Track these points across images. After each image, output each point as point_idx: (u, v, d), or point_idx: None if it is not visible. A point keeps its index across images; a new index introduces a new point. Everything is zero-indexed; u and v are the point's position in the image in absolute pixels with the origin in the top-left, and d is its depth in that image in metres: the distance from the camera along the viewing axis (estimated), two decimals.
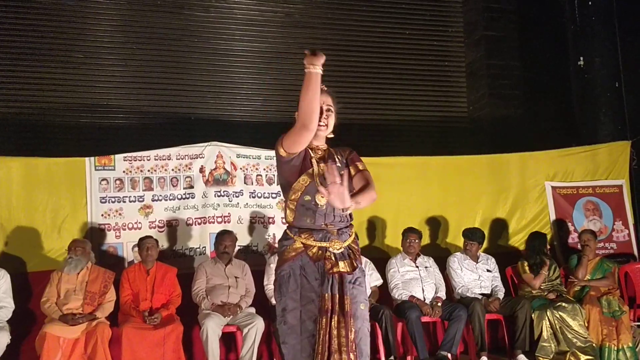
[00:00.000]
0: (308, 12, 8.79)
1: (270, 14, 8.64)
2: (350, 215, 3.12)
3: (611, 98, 7.76)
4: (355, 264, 3.03)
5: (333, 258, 2.98)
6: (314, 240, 3.00)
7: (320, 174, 3.00)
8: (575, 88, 8.07)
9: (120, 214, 6.36)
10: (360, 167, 3.14)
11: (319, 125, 2.94)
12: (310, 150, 3.08)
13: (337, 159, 3.12)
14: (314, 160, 3.05)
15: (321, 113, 3.00)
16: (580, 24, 7.90)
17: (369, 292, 6.22)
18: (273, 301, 5.28)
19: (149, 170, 6.47)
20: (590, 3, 7.85)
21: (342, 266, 2.97)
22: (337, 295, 2.92)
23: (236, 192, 6.59)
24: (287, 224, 3.11)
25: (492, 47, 8.99)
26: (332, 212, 3.01)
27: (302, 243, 3.01)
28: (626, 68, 7.81)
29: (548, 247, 6.46)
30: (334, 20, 8.86)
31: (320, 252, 2.99)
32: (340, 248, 3.01)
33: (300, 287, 2.96)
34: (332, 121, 3.11)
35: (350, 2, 8.94)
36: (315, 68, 2.76)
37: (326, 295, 2.91)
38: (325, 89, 3.07)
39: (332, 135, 3.15)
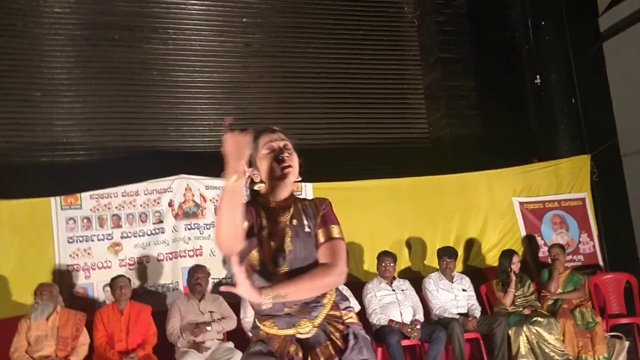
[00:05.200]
0: (267, 42, 8.82)
1: (229, 44, 8.64)
2: None
3: (568, 114, 7.95)
4: (339, 345, 2.41)
5: (300, 351, 2.37)
6: (277, 328, 2.41)
7: (275, 250, 2.39)
8: (533, 105, 8.25)
9: (89, 254, 6.21)
10: (334, 234, 2.43)
11: (285, 167, 2.42)
12: (264, 212, 2.46)
13: (303, 218, 2.47)
14: (264, 233, 2.41)
15: (280, 152, 2.44)
16: (535, 43, 8.10)
17: None
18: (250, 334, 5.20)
19: (116, 207, 6.34)
20: (543, 23, 8.06)
21: (319, 353, 2.37)
22: None
23: (207, 224, 6.51)
24: None
25: (448, 68, 9.16)
26: None
27: (266, 333, 2.45)
28: (581, 84, 8.03)
29: (518, 264, 6.52)
30: (292, 49, 8.91)
31: (285, 343, 2.40)
32: (311, 330, 2.40)
33: None
34: (295, 160, 2.48)
35: (308, 30, 9.01)
36: (230, 182, 2.10)
37: None
38: (272, 127, 2.56)
39: (298, 183, 2.67)
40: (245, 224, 2.32)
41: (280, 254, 2.38)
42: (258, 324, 2.47)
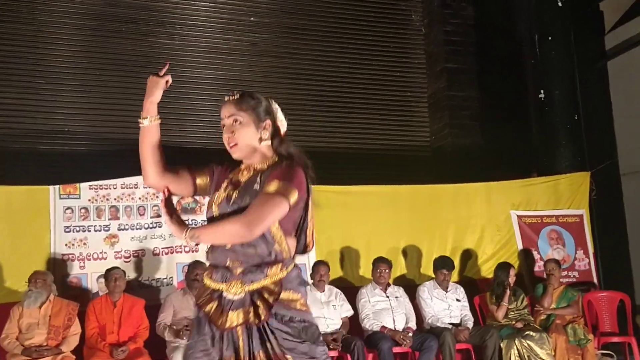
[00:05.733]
0: (273, 42, 8.81)
1: (235, 42, 8.63)
2: (273, 248, 2.39)
3: (570, 130, 7.96)
4: (263, 313, 2.31)
5: (219, 308, 2.36)
6: (211, 280, 2.42)
7: (224, 198, 2.45)
8: (535, 120, 8.26)
9: (85, 244, 6.18)
10: (269, 189, 2.33)
11: (229, 148, 2.47)
12: (235, 173, 2.53)
13: (258, 178, 2.44)
14: (225, 182, 2.51)
15: (225, 132, 2.48)
16: (540, 58, 8.12)
17: (339, 323, 6.19)
18: None
19: (115, 199, 6.33)
20: (549, 38, 8.08)
21: (233, 318, 2.32)
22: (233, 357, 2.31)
23: (205, 221, 6.47)
24: None
25: (453, 78, 9.16)
26: (232, 247, 2.37)
27: (206, 283, 2.46)
28: (584, 101, 8.05)
29: (514, 277, 6.53)
30: (298, 50, 8.90)
31: (209, 296, 2.40)
32: (239, 292, 2.34)
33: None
34: (244, 133, 2.45)
35: (315, 33, 9.00)
36: (141, 122, 2.49)
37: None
38: (234, 97, 2.50)
39: (266, 142, 2.50)
40: (207, 179, 2.56)
41: (222, 204, 2.45)
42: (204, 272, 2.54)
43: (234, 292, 2.35)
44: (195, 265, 5.97)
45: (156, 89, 2.46)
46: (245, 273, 2.35)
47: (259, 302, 2.33)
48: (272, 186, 2.33)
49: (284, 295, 2.37)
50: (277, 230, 2.39)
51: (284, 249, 2.42)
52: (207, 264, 2.51)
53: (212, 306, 2.38)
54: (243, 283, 2.35)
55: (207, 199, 2.60)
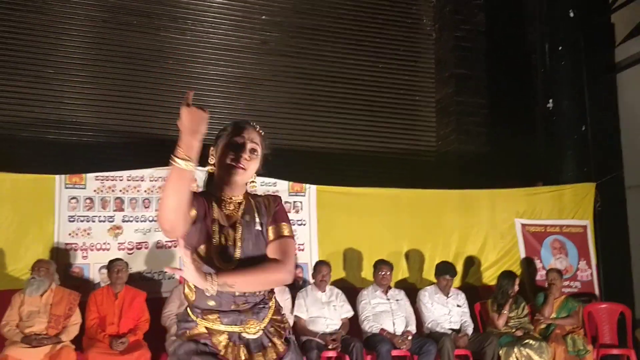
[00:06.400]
0: (284, 41, 8.83)
1: (246, 40, 8.65)
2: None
3: (577, 140, 7.93)
4: (280, 349, 2.38)
5: (244, 352, 2.32)
6: (222, 323, 2.32)
7: (225, 244, 2.32)
8: (543, 129, 8.24)
9: (88, 234, 6.21)
10: (284, 232, 2.41)
11: (236, 167, 2.34)
12: (216, 206, 2.38)
13: (255, 215, 2.43)
14: (215, 226, 2.32)
15: (243, 151, 2.36)
16: (550, 68, 8.11)
17: (339, 324, 6.20)
18: None
19: (120, 191, 6.34)
20: (560, 48, 8.07)
21: (264, 357, 2.34)
22: None
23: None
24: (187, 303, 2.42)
25: (461, 84, 9.16)
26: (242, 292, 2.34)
27: (206, 328, 2.33)
28: (592, 112, 8.04)
29: (516, 287, 6.52)
30: (308, 50, 8.92)
31: (229, 341, 2.32)
32: (258, 331, 2.35)
33: None
34: (254, 165, 2.41)
35: (325, 34, 9.01)
36: (180, 163, 2.02)
37: None
38: (254, 124, 2.47)
39: (253, 184, 2.47)
40: (193, 212, 2.24)
41: (230, 248, 2.33)
42: (194, 318, 2.35)
43: (253, 331, 2.35)
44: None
45: (202, 124, 2.03)
46: (256, 311, 2.36)
47: (275, 339, 2.39)
48: (286, 230, 2.41)
49: (284, 322, 2.46)
50: None
51: None
52: (188, 306, 2.38)
53: (241, 348, 2.33)
54: (259, 320, 2.36)
55: None
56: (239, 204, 2.42)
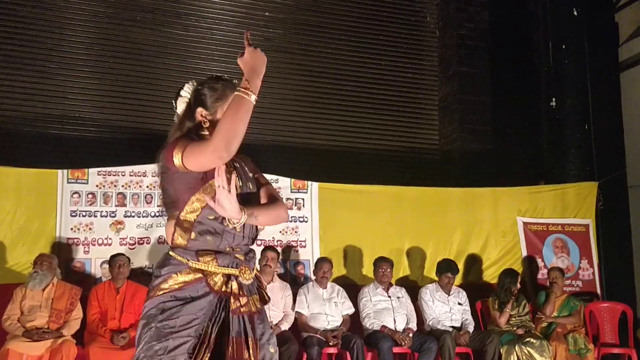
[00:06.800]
0: (287, 38, 8.81)
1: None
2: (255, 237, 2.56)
3: (580, 139, 7.93)
4: (266, 297, 2.53)
5: (241, 292, 2.40)
6: (217, 265, 2.38)
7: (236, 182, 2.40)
8: (546, 127, 8.23)
9: (90, 229, 6.21)
10: (263, 181, 2.63)
11: None
12: None
13: (244, 168, 2.58)
14: (222, 169, 2.34)
15: None
16: (554, 66, 8.10)
17: (340, 320, 6.20)
18: None
19: (122, 186, 6.35)
20: (563, 47, 8.06)
21: (252, 304, 2.42)
22: (243, 340, 2.36)
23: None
24: (172, 247, 2.43)
25: (465, 82, 9.13)
26: (243, 232, 2.43)
27: (199, 270, 2.36)
28: (596, 111, 8.03)
29: (519, 285, 6.51)
30: (311, 47, 8.90)
31: (226, 281, 2.38)
32: (250, 278, 2.45)
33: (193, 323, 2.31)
34: None
35: (329, 31, 9.00)
36: (251, 97, 2.27)
37: (233, 339, 2.34)
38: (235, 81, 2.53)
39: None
40: None
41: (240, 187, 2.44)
42: (187, 259, 2.36)
43: (247, 277, 2.44)
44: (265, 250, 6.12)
45: (264, 66, 2.39)
46: (248, 259, 2.47)
47: (261, 287, 2.53)
48: (264, 179, 2.65)
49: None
50: None
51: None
52: (174, 249, 2.42)
53: (232, 286, 2.39)
54: (250, 268, 2.47)
55: None
56: (231, 163, 2.51)
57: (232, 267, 2.40)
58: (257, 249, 6.28)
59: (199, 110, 2.51)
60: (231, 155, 2.26)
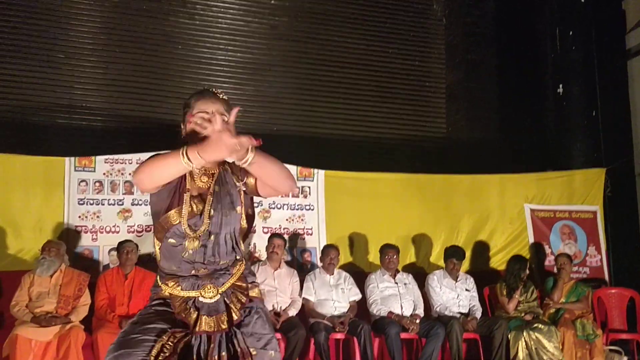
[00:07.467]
0: (293, 26, 8.78)
1: (255, 25, 8.62)
2: (238, 249, 2.49)
3: (587, 126, 7.91)
4: (235, 316, 2.42)
5: (195, 314, 2.39)
6: (180, 289, 2.42)
7: (195, 213, 2.38)
8: (552, 114, 8.20)
9: (98, 217, 6.24)
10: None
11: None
12: (188, 177, 2.42)
13: (227, 181, 2.48)
14: (186, 196, 2.37)
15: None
16: (561, 53, 8.06)
17: (347, 306, 6.21)
18: None
19: (130, 174, 6.34)
20: (570, 33, 8.02)
21: (204, 324, 2.38)
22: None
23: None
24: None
25: (471, 70, 9.12)
26: (203, 254, 2.40)
27: (169, 293, 2.44)
28: (603, 98, 7.98)
29: (527, 272, 6.50)
30: (318, 35, 8.87)
31: (184, 304, 2.40)
32: (215, 295, 2.40)
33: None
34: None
35: (335, 18, 8.96)
36: (189, 164, 2.17)
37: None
38: (221, 95, 2.47)
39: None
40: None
41: (200, 219, 2.38)
42: (160, 283, 2.47)
43: (210, 296, 2.41)
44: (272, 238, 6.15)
45: (229, 153, 2.14)
46: (216, 276, 2.44)
47: (232, 305, 2.43)
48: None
49: (251, 292, 2.52)
50: (241, 231, 2.51)
51: (241, 246, 2.52)
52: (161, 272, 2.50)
53: (192, 312, 2.41)
54: (216, 286, 2.42)
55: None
56: (212, 174, 2.46)
57: (193, 290, 2.41)
58: (265, 236, 6.33)
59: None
60: (138, 185, 2.34)
